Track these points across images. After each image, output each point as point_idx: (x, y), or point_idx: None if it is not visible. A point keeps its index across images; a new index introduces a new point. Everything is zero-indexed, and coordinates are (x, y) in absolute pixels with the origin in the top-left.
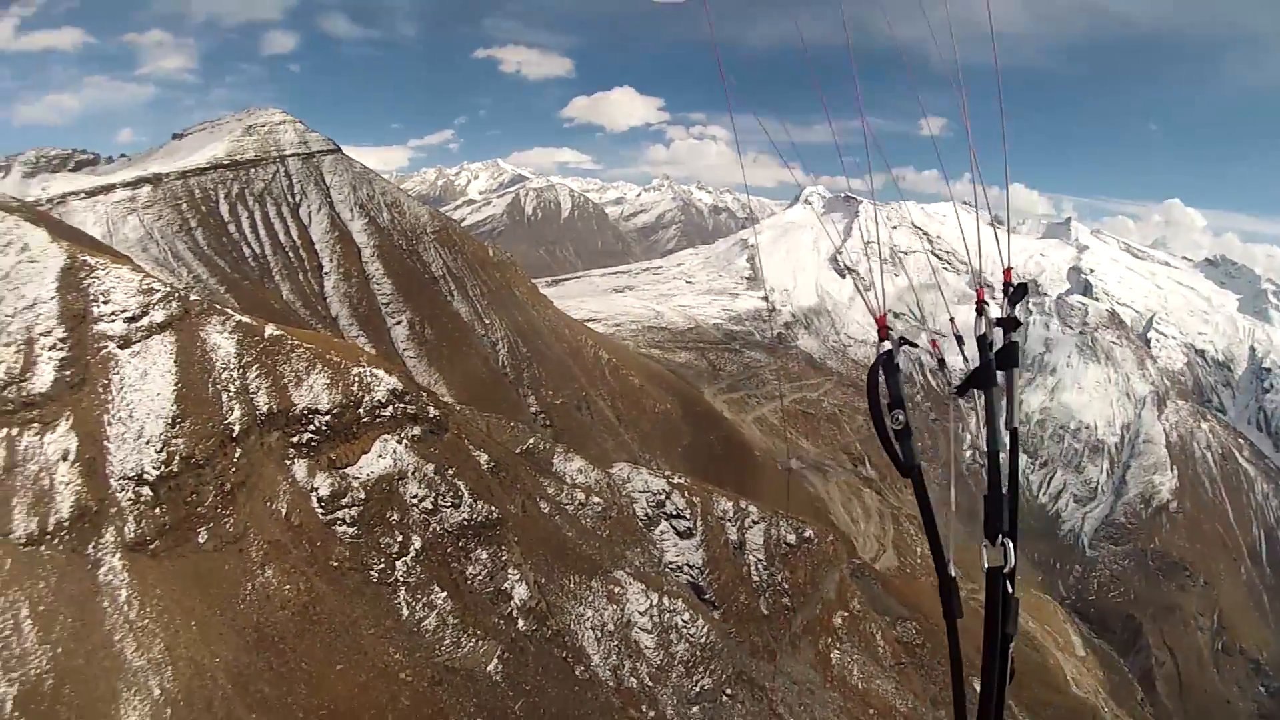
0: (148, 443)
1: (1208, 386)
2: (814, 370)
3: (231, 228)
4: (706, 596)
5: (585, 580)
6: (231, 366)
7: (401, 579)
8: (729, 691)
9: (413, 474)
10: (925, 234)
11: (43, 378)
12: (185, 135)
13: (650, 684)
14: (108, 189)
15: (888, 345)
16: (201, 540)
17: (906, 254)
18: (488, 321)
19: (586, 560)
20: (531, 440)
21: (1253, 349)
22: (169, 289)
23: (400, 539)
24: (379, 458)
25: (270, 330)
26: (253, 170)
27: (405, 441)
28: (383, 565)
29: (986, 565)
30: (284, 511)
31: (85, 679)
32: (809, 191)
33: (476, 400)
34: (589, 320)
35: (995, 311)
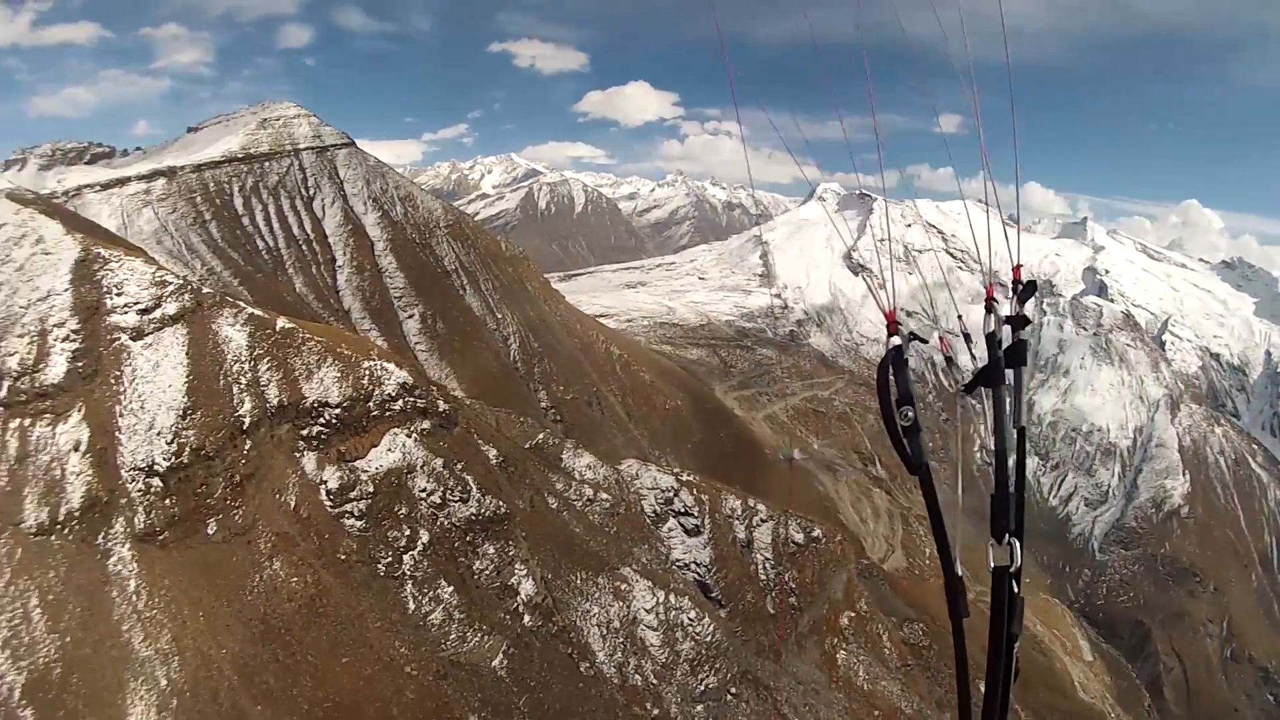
0: (159, 434)
1: (1222, 391)
2: (826, 368)
3: (245, 221)
4: (713, 595)
5: (592, 577)
6: (243, 359)
7: (408, 573)
8: (733, 690)
9: (421, 468)
10: (940, 232)
11: (55, 369)
12: (200, 129)
13: (655, 682)
14: (123, 182)
15: (897, 341)
16: (210, 532)
17: (921, 252)
18: (499, 316)
19: (593, 556)
20: (541, 435)
21: (1269, 353)
22: (182, 281)
23: (408, 533)
24: (388, 451)
25: (282, 323)
26: (267, 164)
27: (414, 435)
28: (390, 559)
29: (992, 564)
30: (293, 504)
31: (93, 668)
32: (823, 188)
33: (487, 395)
34: (601, 316)
35: (1005, 309)
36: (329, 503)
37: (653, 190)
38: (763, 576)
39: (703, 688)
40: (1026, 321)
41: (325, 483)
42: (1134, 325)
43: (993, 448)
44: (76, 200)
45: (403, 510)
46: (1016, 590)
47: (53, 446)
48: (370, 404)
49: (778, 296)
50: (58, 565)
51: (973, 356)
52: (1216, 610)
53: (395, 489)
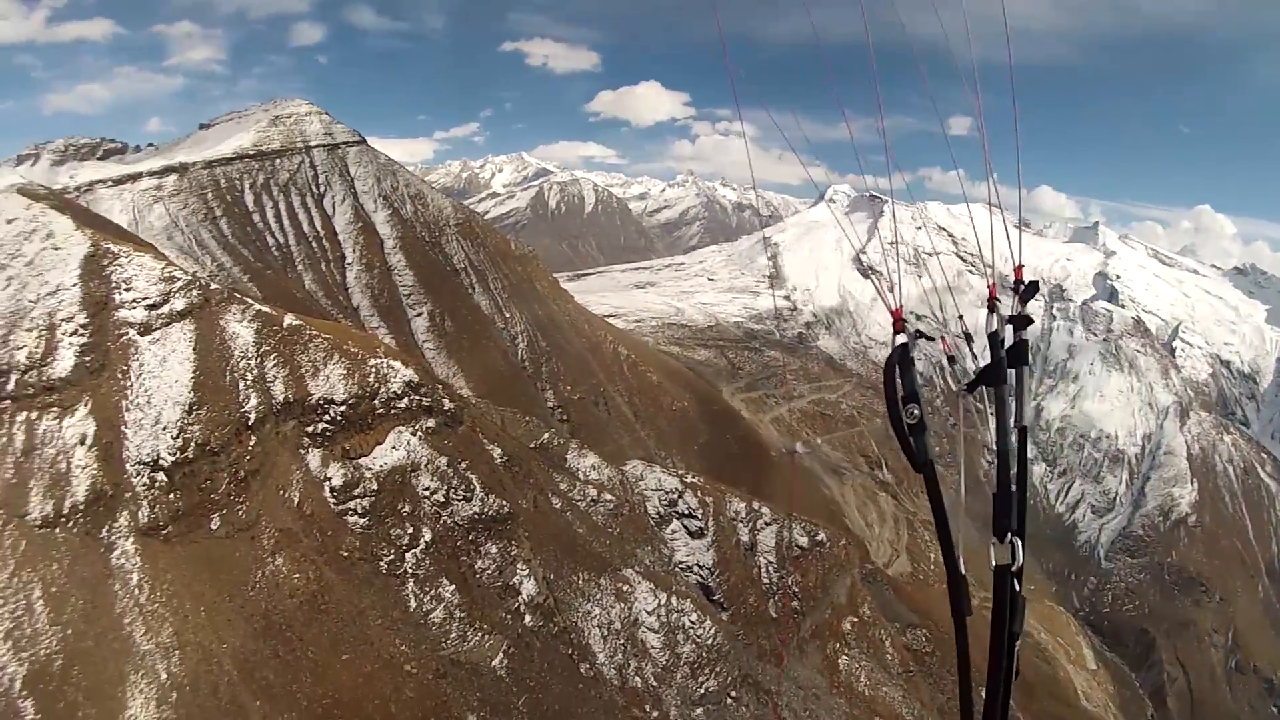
0: (164, 429)
1: (1232, 398)
2: (834, 371)
3: (256, 217)
4: (715, 597)
5: (594, 577)
6: (250, 355)
7: (410, 571)
8: (734, 694)
9: (425, 466)
10: (950, 235)
11: (63, 363)
12: (212, 125)
13: (655, 684)
14: (134, 177)
15: (903, 339)
16: (214, 527)
17: (930, 255)
18: (508, 315)
19: (596, 557)
20: (546, 435)
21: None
22: (190, 277)
23: (411, 531)
24: (393, 449)
25: (289, 320)
26: (278, 161)
27: (419, 433)
28: (392, 556)
29: (994, 563)
30: (296, 500)
31: (94, 661)
32: (834, 190)
33: (494, 394)
34: (609, 316)
35: (1007, 309)
36: (332, 500)
37: (663, 190)
38: (766, 580)
39: (703, 691)
40: (1028, 321)
41: (329, 480)
42: (1144, 331)
43: (995, 448)
44: (89, 195)
45: (406, 508)
46: (1018, 589)
47: (59, 440)
48: (375, 401)
49: (786, 298)
50: (61, 558)
51: (974, 357)
52: (1222, 620)
53: (399, 487)
